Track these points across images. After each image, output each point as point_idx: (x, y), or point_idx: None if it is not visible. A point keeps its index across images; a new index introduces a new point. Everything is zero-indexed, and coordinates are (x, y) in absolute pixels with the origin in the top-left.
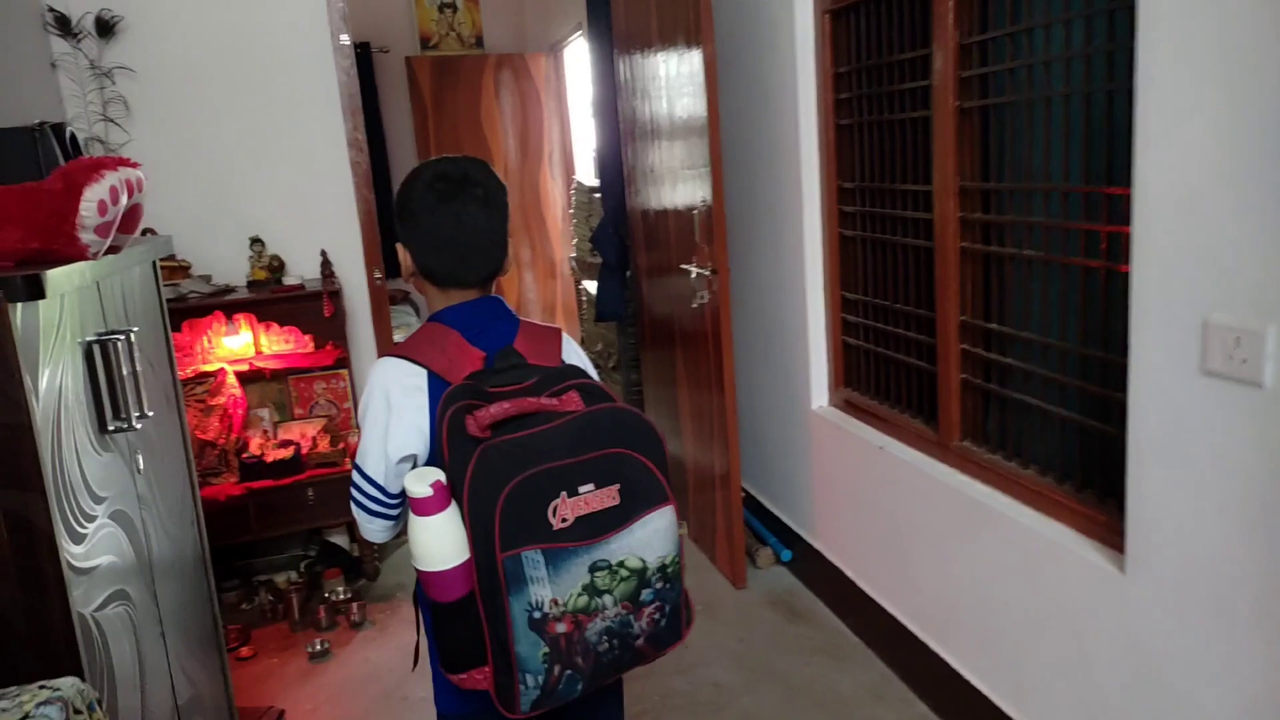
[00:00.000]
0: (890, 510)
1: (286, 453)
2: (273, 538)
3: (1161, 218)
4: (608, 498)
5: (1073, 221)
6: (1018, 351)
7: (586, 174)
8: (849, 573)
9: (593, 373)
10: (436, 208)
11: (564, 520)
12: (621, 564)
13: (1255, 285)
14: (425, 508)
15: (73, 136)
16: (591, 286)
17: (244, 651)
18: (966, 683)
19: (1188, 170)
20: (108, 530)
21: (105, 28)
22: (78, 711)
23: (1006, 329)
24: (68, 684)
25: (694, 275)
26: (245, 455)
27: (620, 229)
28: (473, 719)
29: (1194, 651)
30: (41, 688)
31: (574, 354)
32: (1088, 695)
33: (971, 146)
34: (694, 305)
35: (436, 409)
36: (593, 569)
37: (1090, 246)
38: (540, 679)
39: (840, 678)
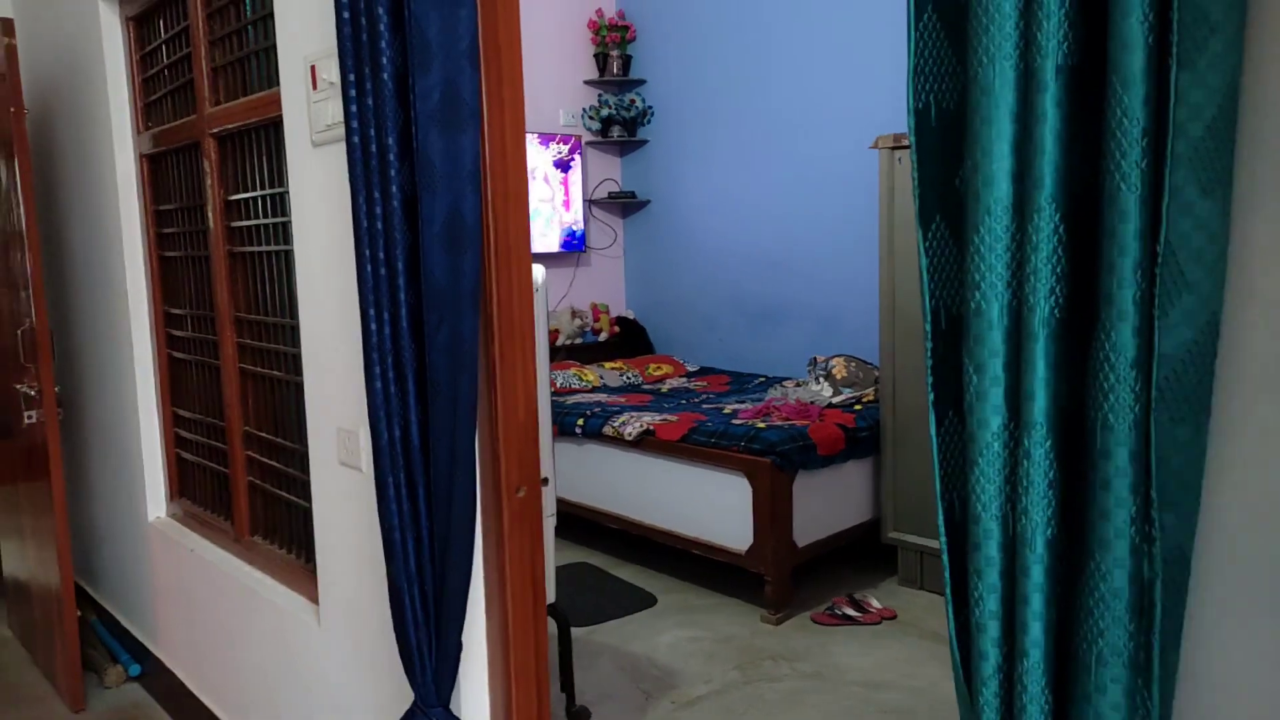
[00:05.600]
0: (202, 608)
1: None
2: None
3: (311, 349)
4: None
5: (287, 347)
6: (274, 455)
7: None
8: (181, 675)
9: None
10: None
11: None
12: None
13: (355, 401)
14: None
15: None
16: None
17: None
18: None
19: (321, 318)
20: None
21: None
22: None
23: (267, 435)
24: None
25: (23, 395)
26: None
27: None
28: None
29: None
30: None
31: None
32: None
33: (239, 284)
34: (27, 425)
35: None
36: None
37: (297, 367)
38: None
39: None
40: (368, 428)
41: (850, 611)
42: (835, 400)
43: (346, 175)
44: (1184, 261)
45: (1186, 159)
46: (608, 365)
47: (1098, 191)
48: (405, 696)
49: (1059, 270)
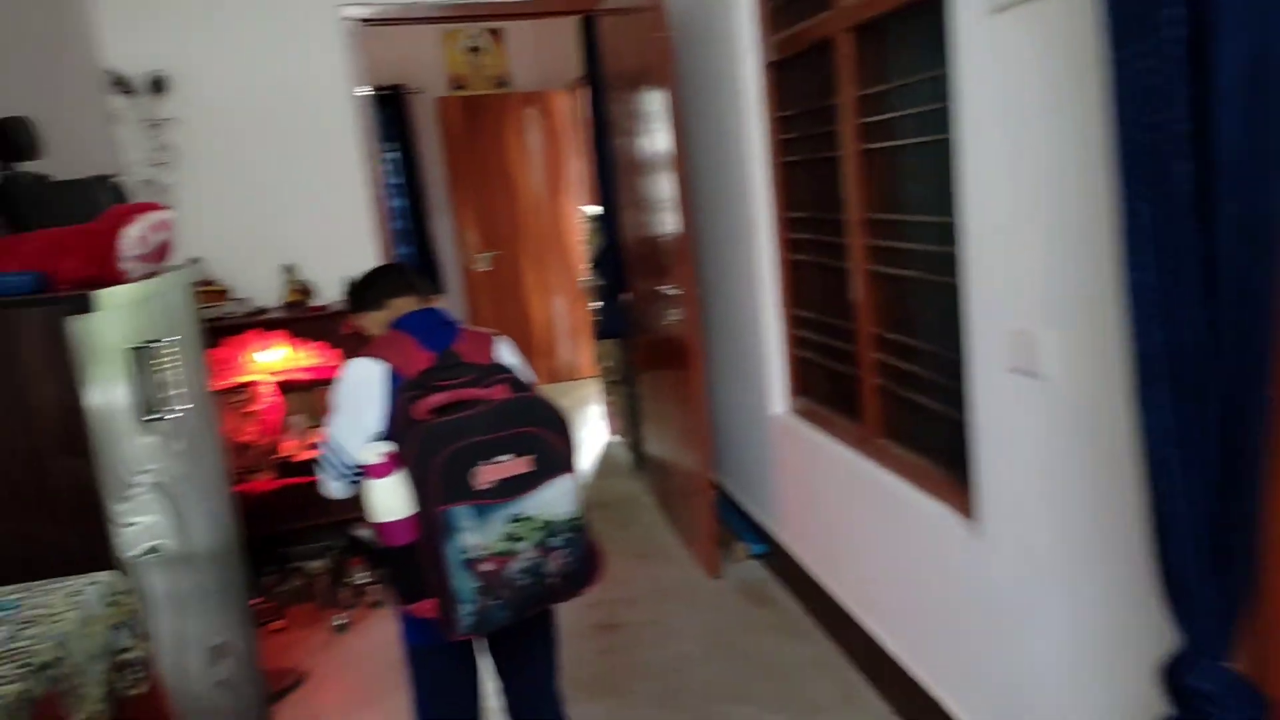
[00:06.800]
0: (831, 502)
1: (315, 454)
2: (306, 529)
3: (978, 245)
4: (522, 465)
5: (930, 245)
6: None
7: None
8: (804, 560)
9: (523, 369)
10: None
11: (489, 482)
12: (533, 517)
13: (1035, 301)
14: (379, 472)
15: (115, 186)
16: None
17: (277, 624)
18: (884, 650)
19: (995, 209)
20: (148, 496)
21: (158, 85)
22: (115, 595)
23: (900, 337)
24: (106, 576)
25: (668, 296)
26: (278, 456)
27: (617, 253)
28: (432, 649)
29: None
30: (89, 581)
31: (507, 354)
32: (958, 634)
33: (872, 183)
34: (669, 323)
35: (394, 397)
36: (511, 520)
37: (942, 265)
38: (473, 607)
39: (789, 652)
40: (1050, 330)
41: None
42: None
43: (1044, 40)
44: None
45: None
46: None
47: None
48: (1110, 629)
49: None
